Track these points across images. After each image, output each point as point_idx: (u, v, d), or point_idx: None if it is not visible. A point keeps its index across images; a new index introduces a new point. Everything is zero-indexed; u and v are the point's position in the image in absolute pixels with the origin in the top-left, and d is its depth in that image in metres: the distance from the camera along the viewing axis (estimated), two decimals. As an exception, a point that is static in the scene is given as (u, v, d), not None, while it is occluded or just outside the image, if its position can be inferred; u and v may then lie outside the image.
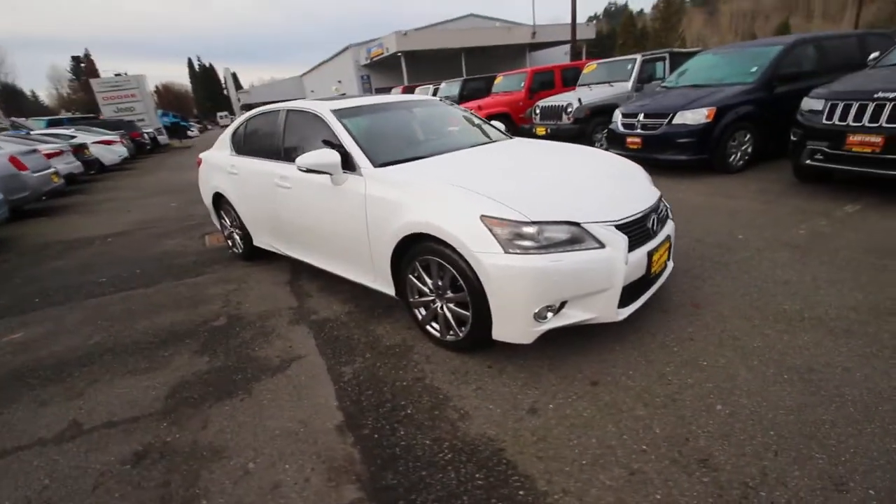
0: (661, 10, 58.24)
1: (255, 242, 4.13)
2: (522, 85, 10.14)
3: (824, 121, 4.44)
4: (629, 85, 8.19)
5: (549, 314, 2.16)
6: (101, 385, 2.55)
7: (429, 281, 2.50)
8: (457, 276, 2.30)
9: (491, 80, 11.86)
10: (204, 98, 79.30)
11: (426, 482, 1.71)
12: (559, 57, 36.98)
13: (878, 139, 3.99)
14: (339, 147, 2.92)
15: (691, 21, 78.78)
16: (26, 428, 2.24)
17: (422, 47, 28.56)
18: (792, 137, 4.89)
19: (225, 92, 65.15)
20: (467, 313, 2.34)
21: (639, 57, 8.36)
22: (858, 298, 2.66)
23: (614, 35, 59.65)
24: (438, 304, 2.52)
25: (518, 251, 2.09)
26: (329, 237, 3.09)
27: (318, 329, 2.98)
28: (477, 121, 3.93)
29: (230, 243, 4.60)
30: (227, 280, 4.00)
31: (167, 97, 71.90)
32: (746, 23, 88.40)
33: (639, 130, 6.29)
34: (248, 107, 30.42)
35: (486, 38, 30.37)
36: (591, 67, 9.27)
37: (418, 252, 2.46)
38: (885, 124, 3.96)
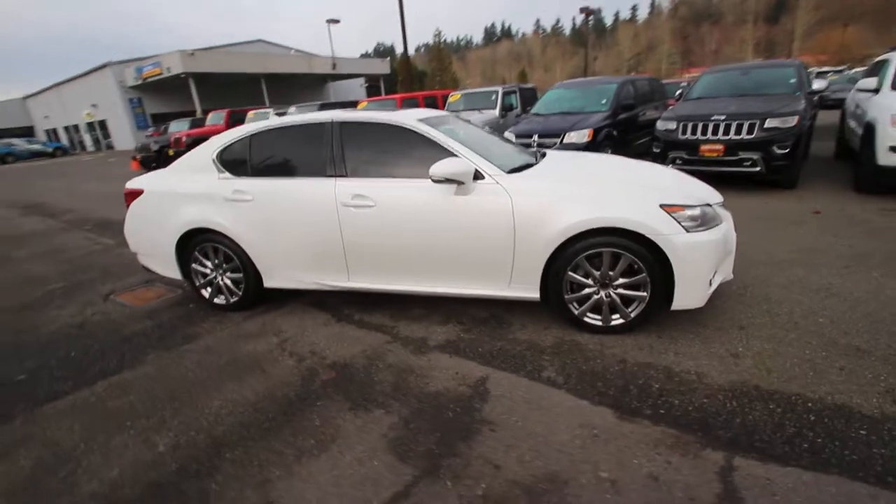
0: (434, 53, 66.54)
1: (271, 283, 3.38)
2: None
3: (680, 136, 6.25)
4: (496, 112, 9.46)
5: (712, 279, 2.66)
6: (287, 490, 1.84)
7: (596, 273, 2.68)
8: (636, 260, 2.58)
9: (355, 105, 11.76)
10: None
11: (734, 420, 1.97)
12: (355, 89, 38.49)
13: (720, 147, 5.89)
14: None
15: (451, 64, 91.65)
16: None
17: (213, 69, 25.68)
18: (654, 150, 6.70)
19: None
20: (641, 293, 2.64)
21: (500, 89, 9.77)
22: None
23: (394, 73, 65.24)
24: (602, 293, 2.72)
25: (692, 230, 2.53)
26: (444, 252, 2.88)
27: (456, 349, 2.75)
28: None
29: (206, 294, 3.58)
30: (249, 335, 3.16)
31: None
32: (489, 68, 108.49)
33: (535, 149, 7.44)
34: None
35: (287, 66, 29.39)
36: (455, 97, 10.32)
37: (583, 248, 2.63)
38: (722, 137, 5.88)
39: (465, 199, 2.78)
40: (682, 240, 2.50)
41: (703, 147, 6.02)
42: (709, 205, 2.70)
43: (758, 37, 73.51)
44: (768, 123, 5.64)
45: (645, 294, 2.64)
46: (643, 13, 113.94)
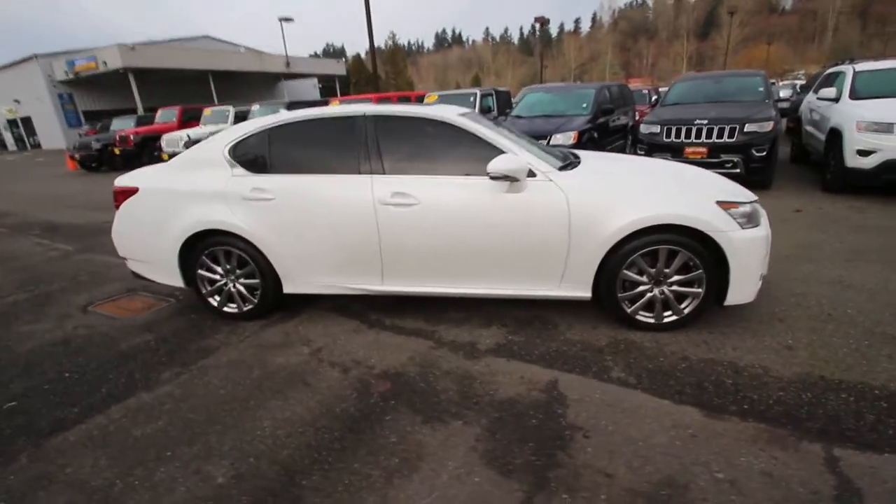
0: (388, 56, 66.03)
1: (291, 289, 3.10)
2: None
3: (664, 139, 6.50)
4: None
5: (762, 274, 2.71)
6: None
7: (651, 270, 2.66)
8: (692, 257, 2.58)
9: (321, 104, 11.31)
10: None
11: (816, 411, 2.00)
12: (308, 89, 37.41)
13: (704, 149, 6.17)
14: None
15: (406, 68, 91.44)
16: None
17: (156, 65, 23.96)
18: (639, 152, 6.92)
19: None
20: (696, 290, 2.65)
21: (478, 91, 9.77)
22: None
23: (349, 74, 64.11)
24: (656, 290, 2.71)
25: (745, 227, 2.57)
26: (492, 252, 2.75)
27: (510, 353, 2.63)
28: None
29: (214, 302, 3.23)
30: (274, 346, 2.87)
31: None
32: (441, 73, 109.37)
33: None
34: None
35: (238, 63, 28.01)
36: (432, 98, 10.20)
37: (640, 246, 2.60)
38: (705, 140, 6.17)
39: (517, 197, 2.67)
40: (739, 236, 2.53)
41: (688, 149, 6.28)
42: (756, 201, 2.76)
43: (690, 51, 79.14)
44: (747, 128, 5.98)
45: (700, 290, 2.65)
46: (586, 26, 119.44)
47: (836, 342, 2.56)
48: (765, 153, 5.96)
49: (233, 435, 2.07)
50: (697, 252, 2.57)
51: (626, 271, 2.68)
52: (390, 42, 68.92)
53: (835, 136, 5.82)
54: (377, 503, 1.68)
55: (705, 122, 6.18)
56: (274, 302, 3.18)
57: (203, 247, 3.09)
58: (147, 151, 12.18)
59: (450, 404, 2.22)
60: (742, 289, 2.63)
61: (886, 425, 1.94)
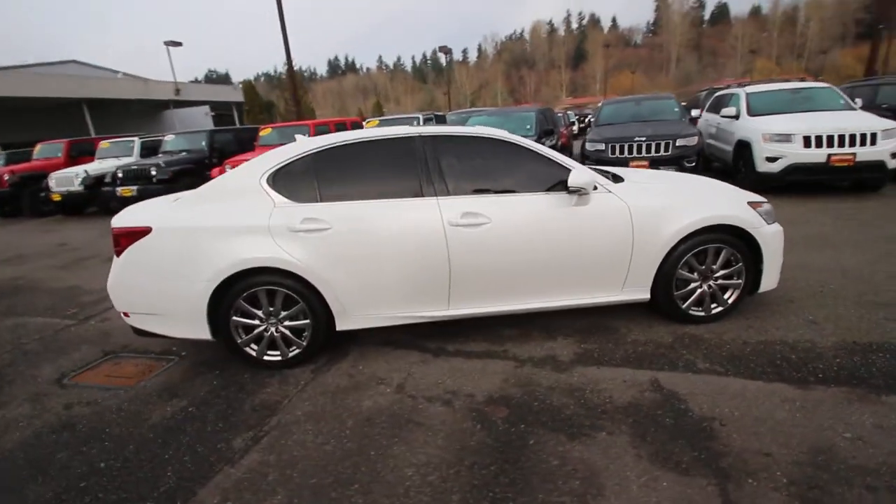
0: (287, 82, 63.56)
1: (346, 326, 2.86)
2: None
3: (609, 155, 7.21)
4: (420, 137, 9.56)
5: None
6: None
7: (701, 268, 2.94)
8: (735, 252, 2.92)
9: (245, 132, 10.59)
10: None
11: (871, 369, 2.39)
12: (199, 118, 34.65)
13: (645, 163, 6.96)
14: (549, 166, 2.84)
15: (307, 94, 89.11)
16: None
17: (14, 93, 20.39)
18: (586, 167, 7.57)
19: None
20: (737, 282, 2.99)
21: (420, 116, 9.92)
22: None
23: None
24: (704, 286, 2.99)
25: (769, 222, 2.98)
26: (563, 263, 2.83)
27: (595, 360, 2.70)
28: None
29: (253, 351, 2.84)
30: (347, 389, 2.61)
31: None
32: (338, 100, 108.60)
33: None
34: None
35: (118, 90, 24.97)
36: (373, 123, 10.11)
37: (693, 246, 2.87)
38: (645, 154, 6.97)
39: (585, 209, 2.80)
40: (768, 230, 2.92)
41: (632, 163, 7.02)
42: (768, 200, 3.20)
43: (567, 79, 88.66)
44: (678, 142, 6.90)
45: (740, 282, 2.99)
46: (472, 56, 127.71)
47: (849, 313, 3.04)
48: (694, 163, 6.90)
49: (380, 490, 1.84)
50: (738, 247, 2.91)
51: (680, 270, 2.93)
52: (286, 68, 66.65)
53: (743, 146, 6.95)
54: (591, 527, 1.62)
55: (644, 138, 7.00)
56: (323, 343, 2.89)
57: (239, 289, 2.72)
58: (28, 192, 10.26)
59: (580, 417, 2.21)
60: (771, 276, 3.02)
61: (926, 373, 2.37)
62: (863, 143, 5.94)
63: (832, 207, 5.85)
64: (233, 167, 8.45)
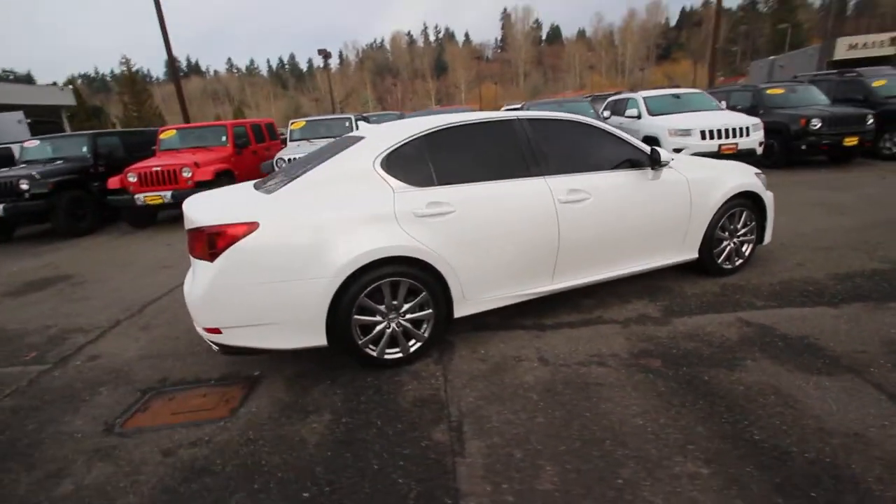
0: (127, 85, 54.43)
1: (463, 311, 2.82)
2: (224, 139, 8.62)
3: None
4: (354, 138, 9.27)
5: (768, 221, 3.94)
6: None
7: (731, 227, 3.57)
8: (751, 213, 3.61)
9: (132, 136, 8.94)
10: None
11: (864, 286, 3.25)
12: (13, 125, 27.93)
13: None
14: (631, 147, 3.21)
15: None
16: None
17: None
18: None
19: None
20: (751, 237, 3.70)
21: (353, 116, 9.59)
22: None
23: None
24: (730, 243, 3.64)
25: (767, 189, 3.76)
26: (643, 230, 3.19)
27: (678, 312, 3.11)
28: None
29: (373, 352, 2.61)
30: (489, 373, 2.58)
31: None
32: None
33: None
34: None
35: None
36: (299, 124, 9.46)
37: (726, 209, 3.48)
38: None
39: (657, 183, 3.21)
40: (768, 195, 3.69)
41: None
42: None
43: (434, 88, 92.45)
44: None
45: (753, 237, 3.71)
46: (335, 62, 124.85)
47: (810, 256, 3.98)
48: (619, 155, 8.01)
49: (633, 441, 1.93)
50: (752, 209, 3.61)
51: (718, 231, 3.52)
52: (125, 68, 56.96)
53: (650, 140, 8.30)
54: None
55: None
56: (444, 331, 2.80)
57: (363, 284, 2.49)
58: None
59: (719, 354, 2.57)
60: (769, 232, 3.81)
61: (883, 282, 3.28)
62: (741, 135, 7.62)
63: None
64: (139, 174, 7.21)
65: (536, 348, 2.81)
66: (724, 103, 9.05)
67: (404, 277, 2.58)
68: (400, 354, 2.69)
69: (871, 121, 7.97)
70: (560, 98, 11.21)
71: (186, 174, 7.43)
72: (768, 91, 9.13)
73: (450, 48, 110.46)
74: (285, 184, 2.56)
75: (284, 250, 2.36)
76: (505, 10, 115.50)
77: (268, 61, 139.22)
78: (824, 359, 2.45)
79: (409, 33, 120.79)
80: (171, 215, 8.33)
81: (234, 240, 2.30)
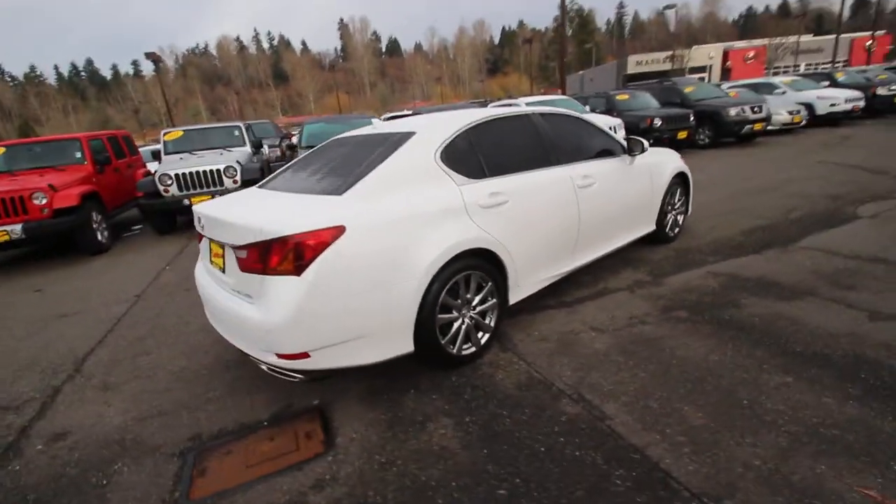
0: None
1: (515, 298, 2.93)
2: (79, 155, 6.87)
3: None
4: (248, 149, 8.37)
5: (684, 196, 4.88)
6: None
7: (672, 202, 4.34)
8: (682, 190, 4.45)
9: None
10: None
11: (778, 231, 4.32)
12: None
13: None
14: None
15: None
16: None
17: None
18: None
19: None
20: (683, 208, 4.55)
21: (241, 124, 8.59)
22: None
23: None
24: (671, 215, 4.42)
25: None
26: (623, 211, 3.68)
27: (677, 270, 3.69)
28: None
29: (453, 350, 2.54)
30: (563, 348, 2.75)
31: None
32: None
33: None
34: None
35: None
36: (175, 134, 8.10)
37: (670, 188, 4.24)
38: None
39: (633, 167, 3.76)
40: (690, 174, 4.59)
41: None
42: None
43: (279, 97, 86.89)
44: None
45: (684, 209, 4.56)
46: (148, 68, 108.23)
47: (721, 221, 5.05)
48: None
49: (729, 376, 2.30)
50: (682, 186, 4.46)
51: (669, 207, 4.26)
52: None
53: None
54: None
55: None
56: (497, 323, 2.85)
57: (444, 280, 2.41)
58: None
59: (721, 300, 3.15)
60: (691, 205, 4.73)
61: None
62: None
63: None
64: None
65: (581, 321, 3.06)
66: (587, 107, 10.64)
67: (475, 270, 2.58)
68: (473, 349, 2.67)
69: (692, 118, 10.27)
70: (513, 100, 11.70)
71: (39, 201, 5.86)
72: (618, 97, 11.04)
73: (288, 56, 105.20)
74: (351, 184, 2.33)
75: (373, 253, 2.17)
76: (342, 20, 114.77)
77: (56, 68, 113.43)
78: (787, 290, 3.21)
79: (238, 38, 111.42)
80: (17, 255, 6.43)
81: (324, 247, 2.03)
